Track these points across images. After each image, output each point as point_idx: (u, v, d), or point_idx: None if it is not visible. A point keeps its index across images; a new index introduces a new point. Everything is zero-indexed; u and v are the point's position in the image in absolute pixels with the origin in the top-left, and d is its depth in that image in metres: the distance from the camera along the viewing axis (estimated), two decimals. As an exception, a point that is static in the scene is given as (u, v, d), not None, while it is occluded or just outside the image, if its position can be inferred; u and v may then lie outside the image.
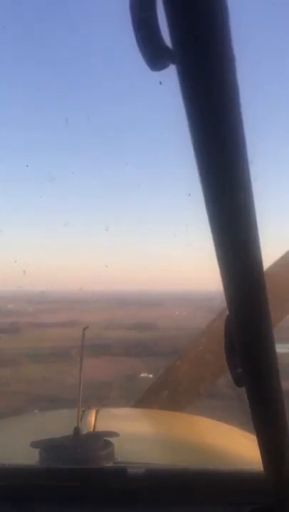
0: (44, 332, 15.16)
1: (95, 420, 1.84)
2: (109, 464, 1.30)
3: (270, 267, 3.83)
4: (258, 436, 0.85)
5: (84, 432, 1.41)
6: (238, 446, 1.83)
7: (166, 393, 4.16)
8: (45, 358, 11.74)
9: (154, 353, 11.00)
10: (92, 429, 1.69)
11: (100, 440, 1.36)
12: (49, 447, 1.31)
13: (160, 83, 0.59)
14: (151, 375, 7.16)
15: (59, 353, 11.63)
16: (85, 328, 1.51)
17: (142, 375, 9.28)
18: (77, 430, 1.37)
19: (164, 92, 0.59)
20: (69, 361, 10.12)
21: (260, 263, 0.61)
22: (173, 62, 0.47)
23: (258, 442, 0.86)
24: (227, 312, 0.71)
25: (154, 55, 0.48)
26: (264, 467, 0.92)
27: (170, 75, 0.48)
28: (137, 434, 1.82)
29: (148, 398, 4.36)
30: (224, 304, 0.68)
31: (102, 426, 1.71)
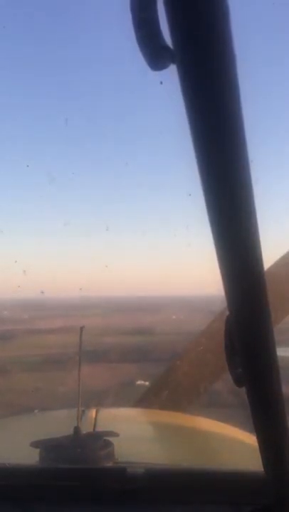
0: (39, 339, 14.89)
1: (95, 420, 1.84)
2: (109, 464, 1.30)
3: (271, 267, 3.84)
4: (258, 436, 0.85)
5: (84, 431, 1.41)
6: (238, 446, 1.83)
7: (166, 393, 4.17)
8: (37, 366, 11.46)
9: (151, 359, 10.73)
10: (92, 429, 1.69)
11: (100, 440, 1.36)
12: (49, 447, 1.31)
13: (161, 83, 0.59)
14: (147, 383, 7.02)
15: (53, 360, 11.40)
16: (82, 328, 1.51)
17: (138, 382, 8.93)
18: (77, 430, 1.37)
19: (165, 91, 0.59)
20: (62, 369, 9.76)
21: (260, 263, 0.61)
22: (173, 62, 0.47)
23: (258, 442, 0.86)
24: (227, 312, 0.71)
25: (155, 54, 0.48)
26: (264, 467, 0.92)
27: (170, 74, 0.48)
28: (136, 434, 1.82)
29: (148, 398, 4.36)
30: (222, 307, 0.68)
31: (102, 426, 1.71)
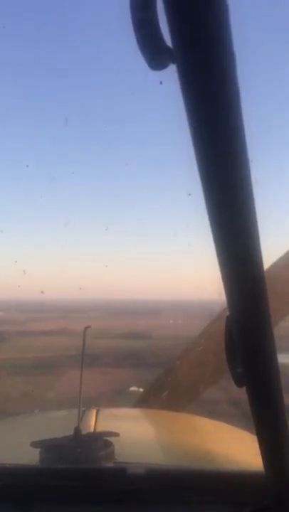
0: (32, 341, 14.54)
1: (95, 420, 1.84)
2: (110, 464, 1.30)
3: (271, 267, 3.83)
4: (258, 436, 0.85)
5: (84, 431, 1.41)
6: (238, 446, 1.83)
7: (166, 393, 4.16)
8: (28, 369, 10.99)
9: (146, 364, 10.36)
10: (92, 429, 1.69)
11: (100, 440, 1.36)
12: (49, 447, 1.31)
13: (160, 83, 0.59)
14: (141, 389, 6.77)
15: (44, 364, 11.18)
16: (86, 327, 1.50)
17: (132, 388, 8.63)
18: (77, 430, 1.37)
19: (165, 91, 0.59)
20: (54, 373, 9.57)
21: (260, 263, 0.61)
22: (173, 62, 0.47)
23: (258, 442, 0.86)
24: (227, 312, 0.71)
25: (154, 54, 0.48)
26: (264, 467, 0.92)
27: (170, 74, 0.48)
28: (137, 434, 1.82)
29: (148, 398, 4.36)
30: (222, 308, 0.69)
31: (103, 426, 1.71)
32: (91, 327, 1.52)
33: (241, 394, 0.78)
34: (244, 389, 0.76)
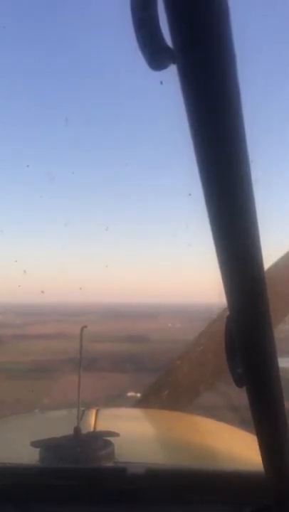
0: (29, 345, 14.34)
1: (95, 420, 1.84)
2: (109, 464, 1.30)
3: (271, 267, 3.83)
4: (258, 436, 0.85)
5: (84, 431, 1.41)
6: (238, 446, 1.83)
7: (167, 393, 4.16)
8: (23, 374, 10.79)
9: (144, 368, 10.21)
10: (92, 429, 1.69)
11: (100, 440, 1.36)
12: (49, 447, 1.31)
13: (161, 83, 0.59)
14: (139, 395, 6.64)
15: (39, 368, 11.07)
16: (83, 327, 1.50)
17: (129, 393, 8.45)
18: (77, 430, 1.37)
19: (165, 91, 0.59)
20: (49, 378, 9.42)
21: (260, 263, 0.61)
22: (174, 62, 0.47)
23: (258, 442, 0.86)
24: (227, 312, 0.71)
25: (155, 54, 0.48)
26: (264, 467, 0.92)
27: (171, 74, 0.48)
28: (137, 434, 1.82)
29: (148, 398, 4.36)
30: (221, 309, 0.69)
31: (103, 426, 1.71)
32: (87, 327, 1.51)
33: (241, 398, 0.78)
34: (244, 393, 0.76)
